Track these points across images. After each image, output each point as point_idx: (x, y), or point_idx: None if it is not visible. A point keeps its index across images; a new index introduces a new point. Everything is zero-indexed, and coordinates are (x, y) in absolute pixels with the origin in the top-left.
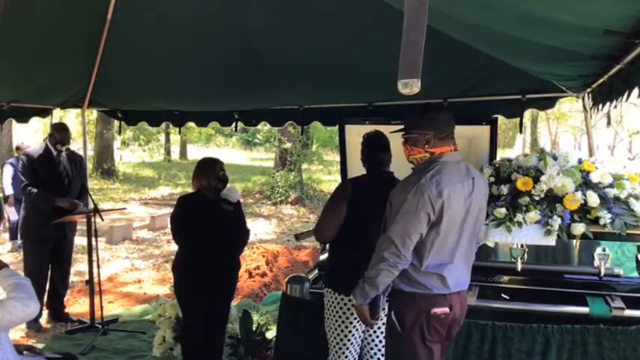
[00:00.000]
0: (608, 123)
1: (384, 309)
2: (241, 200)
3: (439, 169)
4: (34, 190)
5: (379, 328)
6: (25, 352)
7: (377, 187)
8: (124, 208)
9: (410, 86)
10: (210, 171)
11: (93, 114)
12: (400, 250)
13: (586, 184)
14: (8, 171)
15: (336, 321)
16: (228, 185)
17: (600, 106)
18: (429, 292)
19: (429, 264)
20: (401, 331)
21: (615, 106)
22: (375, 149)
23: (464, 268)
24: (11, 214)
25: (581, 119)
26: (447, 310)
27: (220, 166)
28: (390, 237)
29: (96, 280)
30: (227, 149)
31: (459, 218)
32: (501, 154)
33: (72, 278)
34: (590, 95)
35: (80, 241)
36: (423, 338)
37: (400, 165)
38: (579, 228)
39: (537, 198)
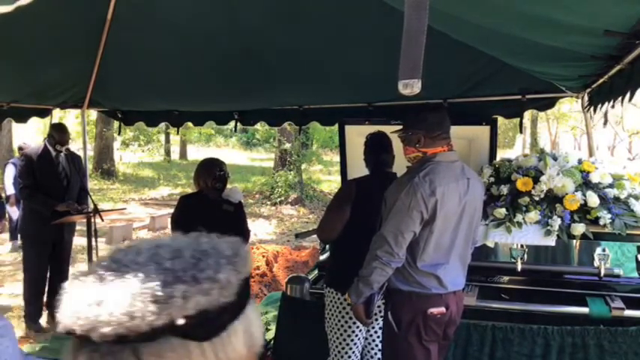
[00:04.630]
0: (605, 123)
1: (378, 307)
2: (242, 201)
3: (432, 168)
4: (32, 194)
5: (380, 328)
6: None
7: (380, 187)
8: (124, 209)
9: (411, 87)
10: (208, 171)
11: (92, 114)
12: (393, 249)
13: (586, 184)
14: (10, 171)
15: (339, 321)
16: (230, 186)
17: (600, 106)
18: (426, 291)
19: (425, 264)
20: (397, 331)
21: (613, 106)
22: (378, 150)
23: (460, 268)
24: (13, 213)
25: (581, 119)
26: (443, 310)
27: (220, 166)
28: (384, 235)
29: None
30: (227, 149)
31: (454, 218)
32: (501, 154)
33: None
34: (589, 95)
35: (80, 241)
36: (419, 338)
37: (403, 165)
38: (579, 228)
39: (537, 198)
